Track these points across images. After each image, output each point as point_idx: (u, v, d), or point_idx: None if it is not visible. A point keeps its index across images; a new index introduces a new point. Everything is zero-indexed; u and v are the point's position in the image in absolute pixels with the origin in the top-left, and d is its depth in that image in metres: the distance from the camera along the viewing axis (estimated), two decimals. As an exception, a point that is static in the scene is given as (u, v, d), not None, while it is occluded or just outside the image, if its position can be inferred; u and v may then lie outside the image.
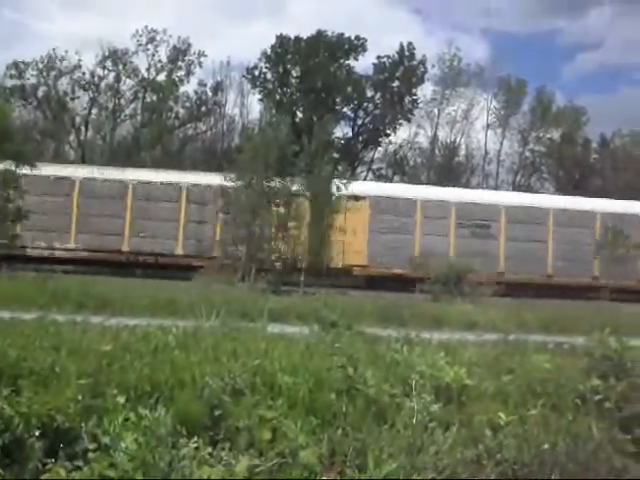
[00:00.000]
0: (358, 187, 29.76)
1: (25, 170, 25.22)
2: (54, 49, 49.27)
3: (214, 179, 28.93)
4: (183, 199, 29.38)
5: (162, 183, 29.77)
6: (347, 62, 51.40)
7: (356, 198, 29.01)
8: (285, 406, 5.80)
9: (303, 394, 6.10)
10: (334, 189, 28.17)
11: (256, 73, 51.56)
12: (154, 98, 51.29)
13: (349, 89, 51.08)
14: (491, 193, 32.35)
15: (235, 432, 5.49)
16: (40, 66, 49.43)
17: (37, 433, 4.98)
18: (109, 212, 29.16)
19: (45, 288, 14.42)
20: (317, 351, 7.64)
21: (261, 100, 50.98)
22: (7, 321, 9.28)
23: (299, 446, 5.12)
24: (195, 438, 5.07)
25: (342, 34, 51.09)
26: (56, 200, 29.06)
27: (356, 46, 51.37)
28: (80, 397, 5.42)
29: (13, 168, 24.86)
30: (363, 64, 53.04)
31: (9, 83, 49.00)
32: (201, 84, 52.16)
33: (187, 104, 51.83)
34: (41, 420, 5.10)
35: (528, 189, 49.61)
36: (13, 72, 49.01)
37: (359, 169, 53.11)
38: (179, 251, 29.07)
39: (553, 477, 5.34)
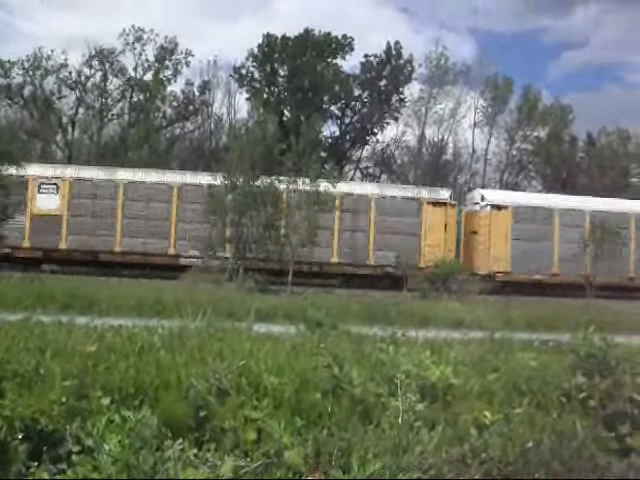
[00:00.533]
0: (500, 197, 32.26)
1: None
2: (40, 48, 48.96)
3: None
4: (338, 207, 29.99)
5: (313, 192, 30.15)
6: (334, 61, 51.48)
7: (499, 207, 30.78)
8: (270, 406, 5.78)
9: (289, 394, 6.09)
10: (479, 198, 30.79)
11: (243, 72, 51.59)
12: (141, 97, 51.16)
13: (336, 88, 51.11)
14: (621, 201, 33.58)
15: (220, 433, 5.48)
16: (26, 65, 49.09)
17: (21, 436, 4.94)
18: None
19: (31, 289, 14.35)
20: (303, 351, 7.64)
21: (248, 99, 50.98)
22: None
23: (284, 446, 5.12)
24: (180, 439, 5.04)
25: (329, 33, 51.18)
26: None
27: (343, 45, 51.40)
28: (64, 399, 5.39)
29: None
30: (350, 63, 53.30)
31: (-5, 82, 48.70)
32: (188, 83, 52.18)
33: (174, 103, 51.78)
34: (25, 423, 5.07)
35: (515, 187, 49.77)
36: (-1, 71, 48.72)
37: (347, 168, 53.18)
38: (334, 259, 29.74)
39: (537, 476, 5.37)
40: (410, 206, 30.33)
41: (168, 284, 19.18)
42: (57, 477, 4.62)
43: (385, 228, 29.91)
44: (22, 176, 28.79)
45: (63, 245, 29.11)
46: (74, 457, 4.76)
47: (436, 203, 30.43)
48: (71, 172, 30.29)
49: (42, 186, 29.39)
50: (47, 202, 29.26)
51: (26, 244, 28.98)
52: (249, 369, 6.46)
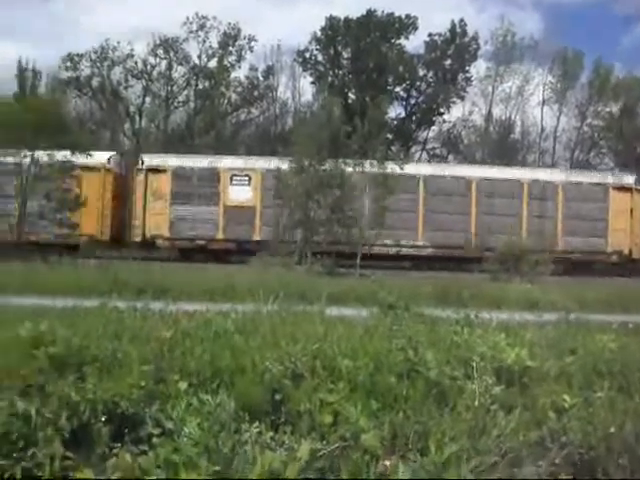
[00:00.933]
0: None
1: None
2: (106, 40, 50.05)
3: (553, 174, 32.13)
4: (525, 194, 30.52)
5: (503, 179, 30.81)
6: (398, 42, 50.93)
7: None
8: (346, 390, 5.78)
9: (363, 377, 6.08)
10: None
11: (307, 56, 51.52)
12: (206, 84, 51.71)
13: (401, 69, 50.63)
14: None
15: (296, 416, 5.50)
16: (93, 57, 50.48)
17: (103, 419, 5.05)
18: (453, 209, 29.89)
19: (106, 275, 14.69)
20: (376, 333, 7.61)
21: (313, 83, 51.04)
22: (70, 309, 9.49)
23: (360, 430, 5.10)
24: (257, 423, 5.09)
25: (392, 13, 50.78)
26: (404, 198, 29.05)
27: (407, 25, 50.87)
28: (143, 383, 5.49)
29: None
30: (414, 43, 52.62)
31: (65, 75, 49.96)
32: (252, 69, 52.50)
33: (239, 89, 52.08)
34: (106, 406, 5.18)
35: (586, 165, 48.53)
36: (68, 64, 49.98)
37: (413, 149, 52.78)
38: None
39: (621, 461, 5.22)
40: (596, 192, 30.55)
41: (239, 269, 19.35)
42: (139, 458, 4.70)
43: (572, 214, 30.10)
44: (214, 168, 29.47)
45: (257, 236, 29.72)
46: (155, 439, 4.83)
47: (621, 188, 30.57)
48: (263, 163, 30.80)
49: (234, 178, 30.04)
50: (240, 194, 29.98)
51: (220, 236, 29.78)
52: (323, 352, 6.46)
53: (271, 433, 5.08)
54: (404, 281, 19.25)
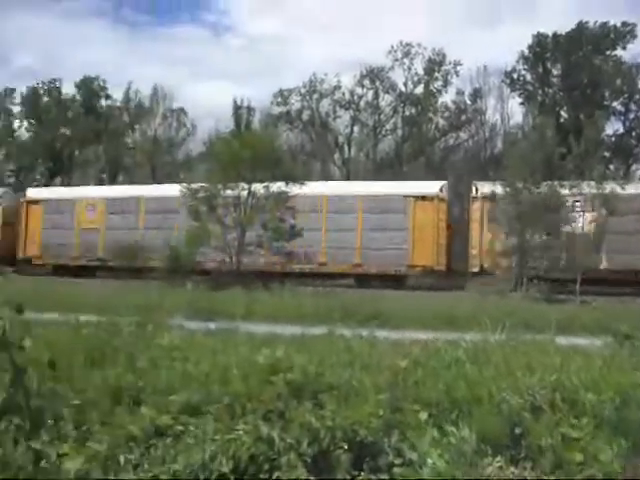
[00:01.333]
0: None
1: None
2: (314, 73, 52.27)
3: None
4: None
5: None
6: (614, 52, 48.32)
7: None
8: (590, 425, 5.46)
9: (609, 412, 5.72)
10: None
11: (515, 76, 50.38)
12: (413, 111, 52.15)
13: (618, 82, 47.94)
14: None
15: (537, 452, 5.27)
16: (302, 91, 52.84)
17: (345, 446, 5.13)
18: None
19: (330, 303, 15.07)
20: (615, 365, 7.16)
21: (522, 103, 49.77)
22: (299, 336, 9.83)
23: (613, 471, 4.79)
24: (498, 457, 4.94)
25: (606, 23, 48.18)
26: None
27: (623, 33, 48.09)
28: (381, 412, 5.52)
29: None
30: (633, 52, 49.48)
31: (276, 110, 52.78)
32: (459, 93, 52.26)
33: (446, 114, 52.00)
34: (346, 433, 5.26)
35: None
36: (279, 100, 52.77)
37: (634, 167, 49.71)
38: None
39: None
40: None
41: (457, 296, 19.17)
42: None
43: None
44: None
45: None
46: (396, 469, 4.84)
47: None
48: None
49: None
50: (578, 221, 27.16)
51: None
52: (562, 384, 6.17)
53: (512, 468, 4.92)
54: (629, 307, 18.10)
